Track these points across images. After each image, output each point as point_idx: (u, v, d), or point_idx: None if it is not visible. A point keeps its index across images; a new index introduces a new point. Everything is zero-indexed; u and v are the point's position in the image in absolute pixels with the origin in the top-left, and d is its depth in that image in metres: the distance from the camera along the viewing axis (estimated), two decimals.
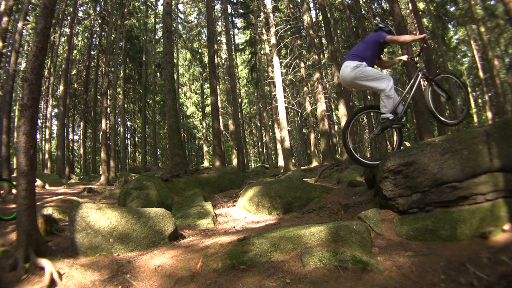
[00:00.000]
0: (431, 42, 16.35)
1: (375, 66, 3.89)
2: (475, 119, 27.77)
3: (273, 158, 21.97)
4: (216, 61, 16.00)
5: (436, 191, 2.80)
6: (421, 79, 3.87)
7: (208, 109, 26.05)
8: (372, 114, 3.91)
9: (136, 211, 3.40)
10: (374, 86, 3.65)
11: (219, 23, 22.49)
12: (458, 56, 26.28)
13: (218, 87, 18.55)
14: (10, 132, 9.72)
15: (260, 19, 19.93)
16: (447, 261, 2.24)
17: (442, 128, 8.88)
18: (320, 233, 2.67)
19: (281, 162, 16.58)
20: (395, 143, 3.98)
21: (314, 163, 15.17)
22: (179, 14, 25.53)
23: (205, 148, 26.49)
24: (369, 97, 18.94)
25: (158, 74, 25.11)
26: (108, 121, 18.12)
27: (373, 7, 19.20)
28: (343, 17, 20.53)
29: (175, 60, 23.22)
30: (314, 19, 18.16)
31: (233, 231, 3.87)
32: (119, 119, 22.38)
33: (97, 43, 22.82)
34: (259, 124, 31.10)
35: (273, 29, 15.38)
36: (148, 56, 24.13)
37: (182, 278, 2.44)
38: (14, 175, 7.91)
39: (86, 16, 22.00)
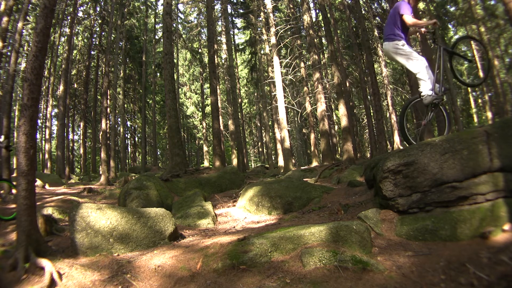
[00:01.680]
0: (431, 43, 16.34)
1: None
2: (475, 119, 27.76)
3: (273, 158, 21.97)
4: (216, 61, 15.99)
5: (436, 191, 2.80)
6: (443, 54, 3.96)
7: (208, 109, 26.04)
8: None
9: (136, 211, 3.40)
10: (408, 67, 3.85)
11: (219, 23, 22.49)
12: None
13: (218, 87, 18.55)
14: (10, 132, 9.71)
15: (260, 19, 19.92)
16: (447, 261, 2.24)
17: (442, 128, 8.90)
18: (320, 233, 2.67)
19: (281, 162, 16.58)
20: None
21: (314, 163, 15.17)
22: (179, 14, 25.54)
23: (205, 148, 26.48)
24: (369, 97, 18.94)
25: (158, 74, 25.10)
26: (108, 121, 18.11)
27: (373, 7, 19.22)
28: (343, 17, 20.53)
29: (175, 60, 23.22)
30: (314, 19, 18.16)
31: (233, 231, 3.87)
32: (119, 119, 22.37)
33: (97, 43, 22.81)
34: (259, 124, 31.09)
35: (273, 29, 15.38)
36: (148, 56, 24.13)
37: (182, 278, 2.44)
38: (14, 175, 7.90)
39: (86, 16, 21.99)
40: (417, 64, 3.76)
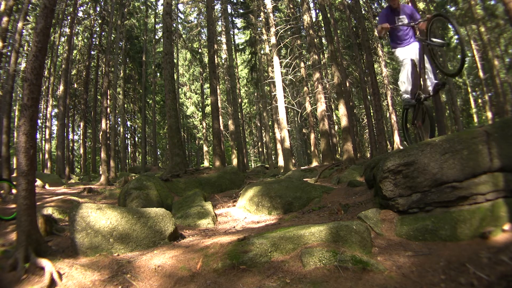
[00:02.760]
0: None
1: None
2: (475, 119, 27.76)
3: (273, 158, 21.96)
4: (216, 61, 15.99)
5: (436, 191, 2.80)
6: (423, 48, 3.71)
7: (208, 109, 26.03)
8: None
9: (136, 211, 3.40)
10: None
11: (219, 23, 22.49)
12: (458, 56, 26.24)
13: (218, 87, 18.54)
14: (10, 132, 9.71)
15: (260, 19, 19.91)
16: (447, 261, 2.24)
17: (442, 128, 8.90)
18: (320, 233, 2.67)
19: (281, 162, 16.57)
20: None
21: (314, 163, 15.17)
22: (179, 14, 25.52)
23: (205, 148, 26.47)
24: (369, 97, 18.93)
25: (158, 74, 25.09)
26: (108, 121, 18.11)
27: (373, 7, 19.22)
28: (343, 17, 20.53)
29: (175, 60, 23.20)
30: (314, 19, 18.14)
31: (233, 231, 3.87)
32: (119, 119, 22.36)
33: (97, 43, 22.80)
34: (259, 124, 31.07)
35: (273, 29, 15.37)
36: (148, 56, 24.11)
37: (182, 278, 2.44)
38: (14, 175, 7.91)
39: (86, 16, 21.98)
40: (401, 69, 3.89)
